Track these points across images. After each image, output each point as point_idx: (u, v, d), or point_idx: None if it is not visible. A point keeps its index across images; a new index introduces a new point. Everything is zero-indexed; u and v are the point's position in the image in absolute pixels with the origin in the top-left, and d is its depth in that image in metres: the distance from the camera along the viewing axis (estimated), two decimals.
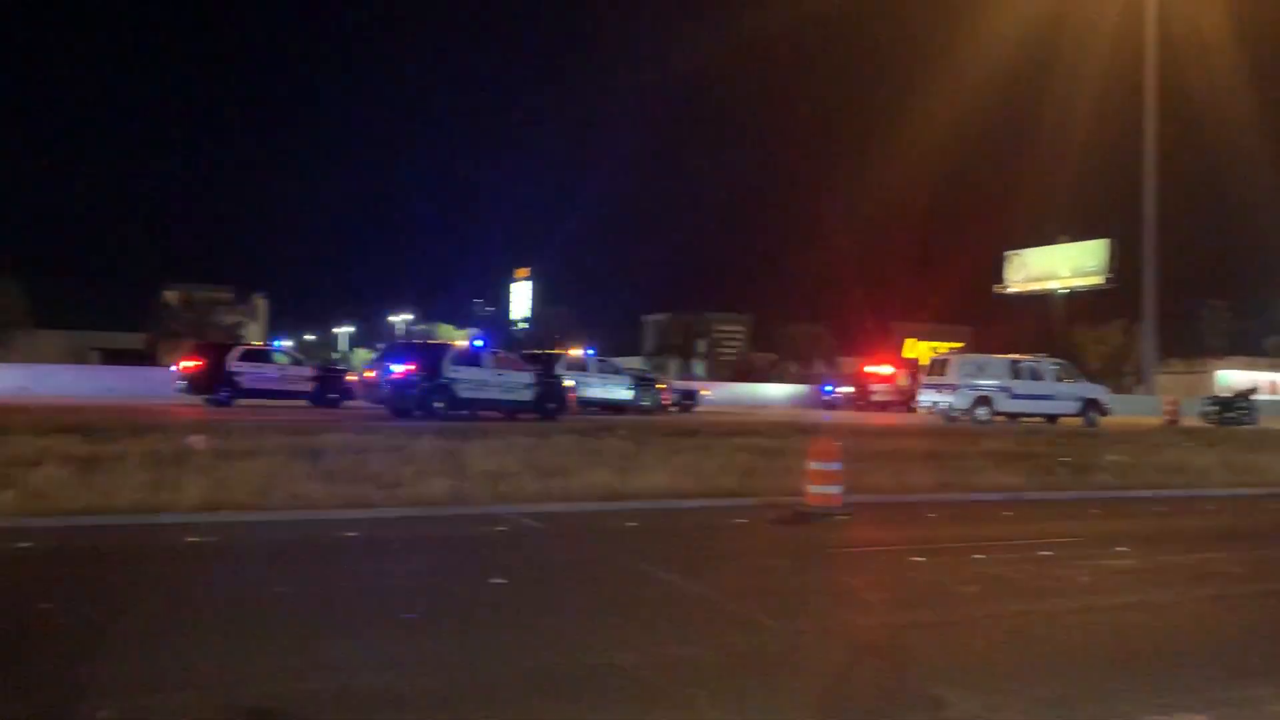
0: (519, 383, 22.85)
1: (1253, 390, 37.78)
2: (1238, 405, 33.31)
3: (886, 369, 43.89)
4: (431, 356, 22.76)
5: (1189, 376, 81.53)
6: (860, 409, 39.61)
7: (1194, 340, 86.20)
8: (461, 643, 5.42)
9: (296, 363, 27.28)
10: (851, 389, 42.36)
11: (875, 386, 41.50)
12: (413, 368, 21.93)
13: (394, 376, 21.79)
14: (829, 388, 44.15)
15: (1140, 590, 7.34)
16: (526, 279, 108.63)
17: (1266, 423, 32.46)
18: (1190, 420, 32.12)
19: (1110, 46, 47.84)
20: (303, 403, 25.59)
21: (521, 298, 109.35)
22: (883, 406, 39.94)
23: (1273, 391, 72.89)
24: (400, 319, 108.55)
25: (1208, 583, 7.73)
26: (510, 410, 22.75)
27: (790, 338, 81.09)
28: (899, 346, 74.69)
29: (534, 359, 27.62)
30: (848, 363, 64.30)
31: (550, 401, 23.24)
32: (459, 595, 6.58)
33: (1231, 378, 78.94)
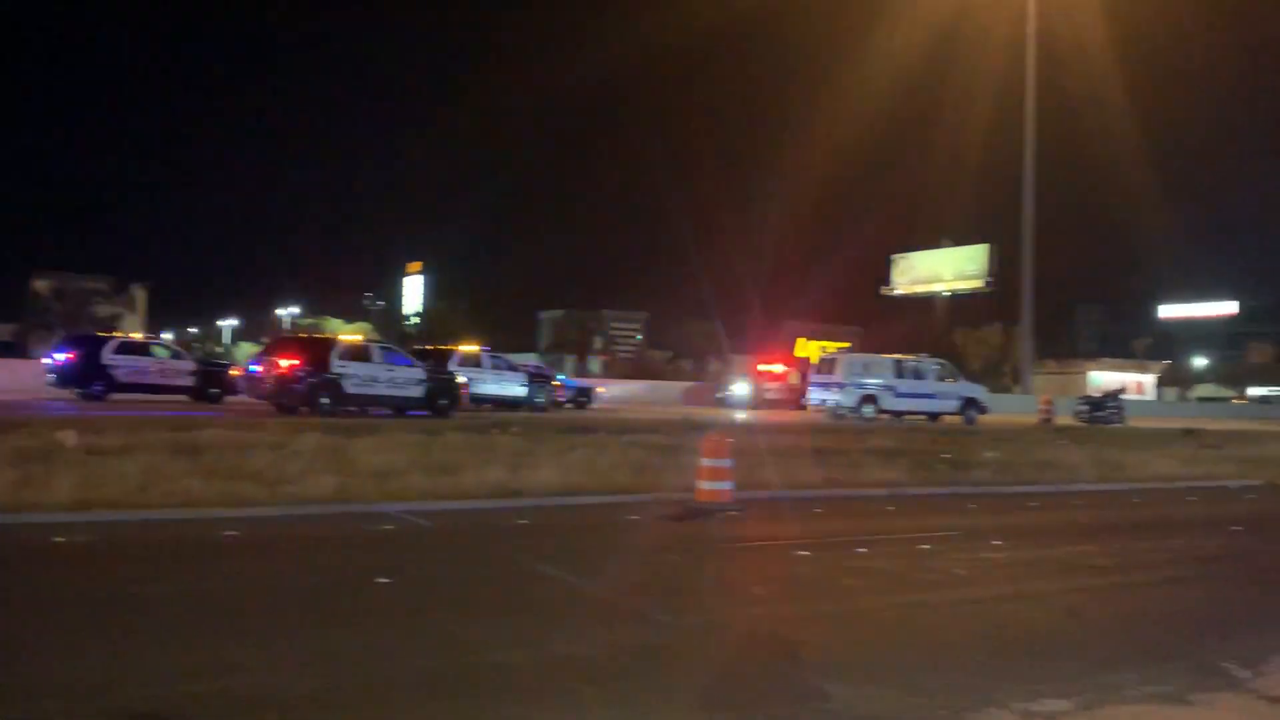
0: (410, 378, 22.48)
1: (1121, 391, 39.71)
2: (1107, 405, 34.91)
3: (778, 367, 44.70)
4: (318, 351, 22.22)
5: (1063, 377, 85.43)
6: (753, 406, 40.21)
7: (1068, 342, 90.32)
8: (346, 644, 5.31)
9: (176, 356, 26.26)
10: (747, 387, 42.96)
11: (767, 384, 42.22)
12: (298, 362, 21.37)
13: (279, 371, 21.19)
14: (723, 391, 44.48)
15: (1014, 582, 7.65)
16: (419, 274, 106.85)
17: (1133, 422, 34.16)
18: (1064, 419, 33.55)
19: (997, 58, 49.80)
20: (183, 398, 24.70)
21: (414, 293, 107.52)
22: (774, 404, 40.68)
23: (1139, 392, 76.92)
24: (287, 313, 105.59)
25: (1077, 574, 8.11)
26: (401, 407, 22.39)
27: (686, 335, 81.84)
28: (791, 345, 76.11)
29: (426, 354, 27.23)
30: (741, 361, 65.25)
31: (442, 398, 22.94)
32: (344, 595, 6.45)
33: (1102, 379, 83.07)
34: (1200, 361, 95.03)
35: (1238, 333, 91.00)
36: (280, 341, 27.58)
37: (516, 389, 28.07)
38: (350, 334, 36.16)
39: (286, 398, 21.04)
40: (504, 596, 6.57)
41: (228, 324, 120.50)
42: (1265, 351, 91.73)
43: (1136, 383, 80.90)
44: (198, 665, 4.78)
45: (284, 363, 21.33)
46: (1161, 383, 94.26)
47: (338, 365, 21.51)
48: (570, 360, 79.74)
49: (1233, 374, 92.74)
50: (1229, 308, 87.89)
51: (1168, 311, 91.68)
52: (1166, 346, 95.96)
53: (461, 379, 25.04)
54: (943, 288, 65.04)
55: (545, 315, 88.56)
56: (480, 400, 26.94)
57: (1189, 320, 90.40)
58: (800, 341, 78.59)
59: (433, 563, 7.67)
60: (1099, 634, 6.20)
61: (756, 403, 40.91)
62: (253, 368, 22.37)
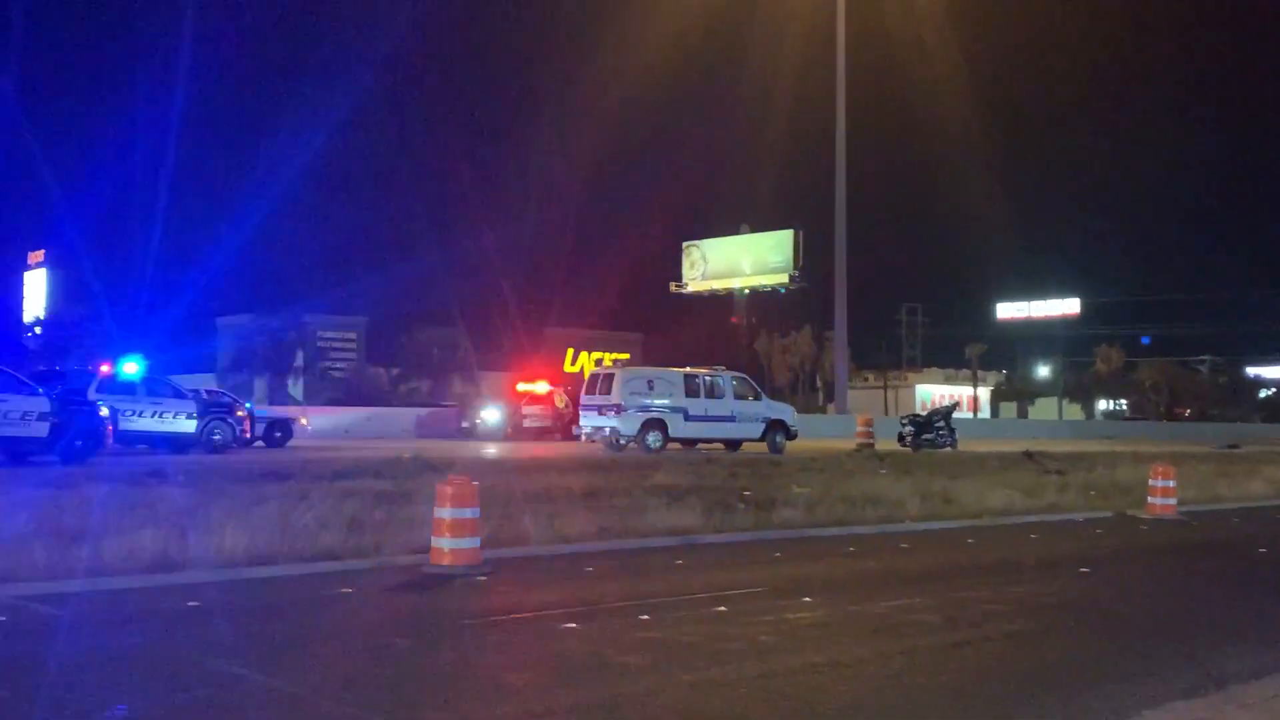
0: (27, 410, 21.09)
1: (953, 408, 42.42)
2: (936, 425, 37.03)
3: (542, 387, 44.92)
4: None
5: (885, 391, 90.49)
6: (510, 437, 40.29)
7: (890, 350, 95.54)
8: None
9: None
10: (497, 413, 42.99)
11: (527, 409, 42.31)
12: None
13: None
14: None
15: (827, 648, 7.99)
16: (41, 265, 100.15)
17: (966, 445, 36.47)
18: (886, 443, 35.46)
19: (803, 31, 52.86)
20: None
21: (37, 292, 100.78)
22: (537, 434, 40.85)
23: (973, 408, 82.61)
24: None
25: (900, 635, 8.57)
26: (15, 450, 20.99)
27: (419, 348, 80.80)
28: (560, 358, 76.72)
29: (51, 377, 25.70)
30: (492, 378, 65.08)
31: (77, 437, 21.71)
32: None
33: (930, 393, 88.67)
34: (1042, 370, 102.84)
35: (1081, 334, 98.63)
36: None
37: (184, 423, 26.91)
38: None
39: None
40: (158, 704, 6.23)
41: None
42: (1112, 356, 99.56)
43: (970, 397, 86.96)
44: None
45: None
46: (998, 396, 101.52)
47: None
48: (263, 382, 77.06)
49: (1078, 385, 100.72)
50: (1071, 306, 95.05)
51: (1006, 311, 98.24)
52: (1005, 352, 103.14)
53: (105, 410, 23.77)
54: (741, 283, 66.88)
55: (226, 322, 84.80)
56: (133, 439, 25.73)
57: (1028, 321, 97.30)
58: (570, 353, 79.41)
59: (55, 665, 7.17)
60: (922, 707, 6.56)
61: (514, 432, 40.99)
62: None
